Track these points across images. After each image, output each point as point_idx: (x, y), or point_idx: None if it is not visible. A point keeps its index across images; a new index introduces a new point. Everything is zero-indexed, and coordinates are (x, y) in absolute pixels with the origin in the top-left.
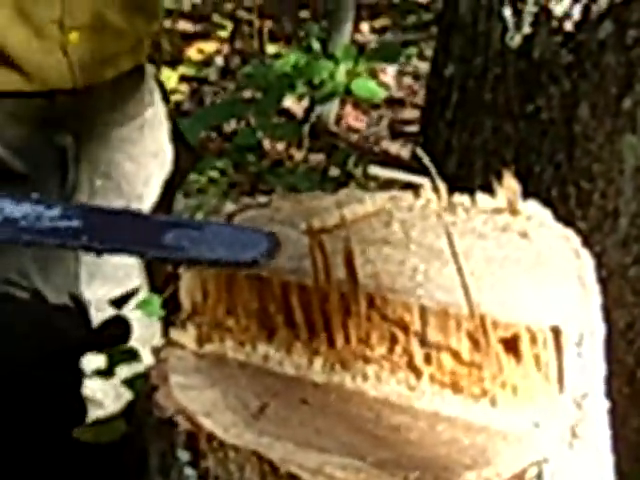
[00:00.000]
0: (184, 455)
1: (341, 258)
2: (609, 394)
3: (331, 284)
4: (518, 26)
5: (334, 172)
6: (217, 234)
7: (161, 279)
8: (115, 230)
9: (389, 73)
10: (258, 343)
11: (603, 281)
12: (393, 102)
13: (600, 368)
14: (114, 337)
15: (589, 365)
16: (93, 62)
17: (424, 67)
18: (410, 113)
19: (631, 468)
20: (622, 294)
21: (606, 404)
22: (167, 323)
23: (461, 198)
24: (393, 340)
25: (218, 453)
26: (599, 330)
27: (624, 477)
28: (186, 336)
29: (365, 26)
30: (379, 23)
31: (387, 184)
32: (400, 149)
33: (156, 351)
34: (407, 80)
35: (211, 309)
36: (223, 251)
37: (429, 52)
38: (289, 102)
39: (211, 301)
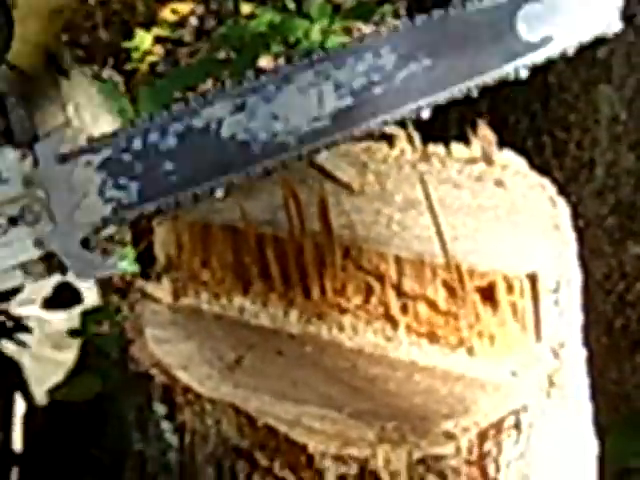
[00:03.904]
0: (160, 408)
1: (315, 209)
2: (587, 344)
3: (306, 235)
4: None
5: None
6: None
7: None
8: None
9: (364, 31)
10: (234, 295)
11: (580, 231)
12: None
13: (577, 317)
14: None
15: (566, 313)
16: None
17: None
18: None
19: (610, 419)
20: (599, 245)
21: (584, 353)
22: (142, 276)
23: (436, 148)
24: (369, 290)
25: (194, 406)
26: (575, 278)
27: (603, 429)
28: (161, 290)
29: None
30: None
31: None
32: None
33: (131, 305)
34: None
35: (186, 262)
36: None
37: (404, 10)
38: (264, 62)
39: (186, 254)
